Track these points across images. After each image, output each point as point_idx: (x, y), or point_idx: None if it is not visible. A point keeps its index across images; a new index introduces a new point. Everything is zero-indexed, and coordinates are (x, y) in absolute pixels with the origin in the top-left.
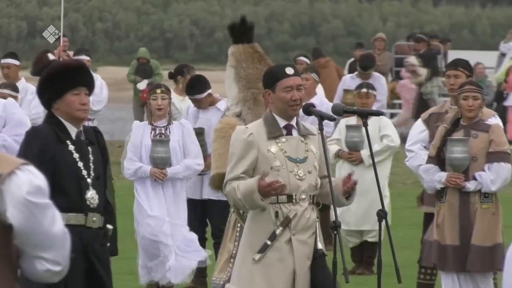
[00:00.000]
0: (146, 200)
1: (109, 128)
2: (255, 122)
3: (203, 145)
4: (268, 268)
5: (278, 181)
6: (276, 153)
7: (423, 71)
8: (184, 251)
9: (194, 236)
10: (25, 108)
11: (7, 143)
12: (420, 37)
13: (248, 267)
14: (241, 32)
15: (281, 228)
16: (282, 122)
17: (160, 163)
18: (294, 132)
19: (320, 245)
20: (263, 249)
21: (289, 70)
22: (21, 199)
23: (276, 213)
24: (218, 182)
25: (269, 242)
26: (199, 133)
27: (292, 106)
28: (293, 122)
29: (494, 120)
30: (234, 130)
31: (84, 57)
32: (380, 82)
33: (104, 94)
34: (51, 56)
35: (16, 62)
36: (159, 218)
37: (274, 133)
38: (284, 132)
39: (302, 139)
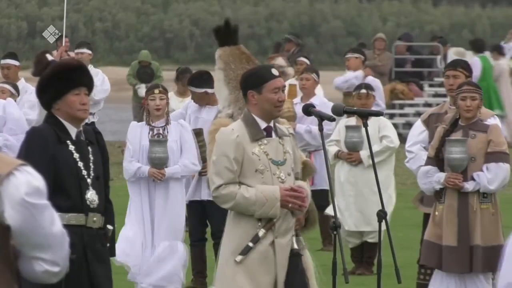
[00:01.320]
0: (139, 206)
1: (109, 128)
2: (236, 123)
3: (202, 146)
4: (251, 270)
5: (301, 191)
6: (260, 156)
7: (291, 71)
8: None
9: (182, 257)
10: (22, 108)
11: (9, 142)
12: (288, 37)
13: (230, 269)
14: (227, 34)
15: (263, 230)
16: (262, 124)
17: (158, 163)
18: (273, 134)
19: (296, 245)
20: (245, 251)
21: (275, 72)
22: (19, 200)
23: None
24: None
25: (251, 244)
26: (198, 133)
27: (277, 107)
28: (271, 124)
29: (493, 120)
30: (219, 131)
31: (85, 51)
32: (376, 86)
33: (107, 84)
34: (49, 57)
35: (16, 63)
36: (133, 242)
37: (256, 135)
38: (264, 134)
39: (280, 140)
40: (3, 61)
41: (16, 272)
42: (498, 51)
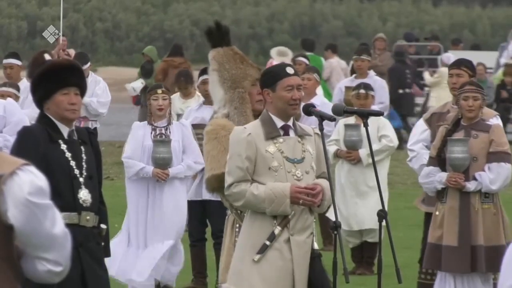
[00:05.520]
0: (136, 206)
1: (109, 129)
2: (253, 122)
3: (199, 139)
4: (267, 269)
5: (313, 188)
6: (274, 154)
7: None
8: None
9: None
10: (28, 108)
11: (9, 143)
12: None
13: (247, 268)
14: (219, 36)
15: (279, 228)
16: (279, 123)
17: (162, 163)
18: (291, 133)
19: (316, 246)
20: (262, 249)
21: (290, 70)
22: (22, 199)
23: None
24: (215, 183)
25: (268, 243)
26: (198, 126)
27: (292, 106)
28: (290, 123)
29: (495, 120)
30: (232, 131)
31: (14, 61)
32: (381, 85)
33: (108, 96)
34: (47, 57)
35: (18, 62)
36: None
37: (271, 133)
38: (281, 132)
39: (299, 139)
40: (6, 61)
41: (19, 272)
42: (332, 49)
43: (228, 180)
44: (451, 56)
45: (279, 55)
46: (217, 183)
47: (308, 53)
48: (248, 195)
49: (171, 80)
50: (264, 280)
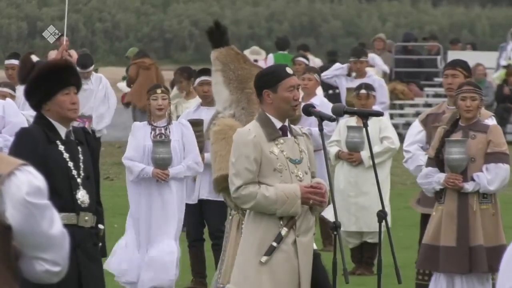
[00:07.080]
0: (135, 208)
1: (109, 129)
2: (251, 124)
3: (200, 136)
4: (275, 270)
5: (320, 187)
6: (278, 155)
7: None
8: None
9: (174, 254)
10: (30, 110)
11: (9, 142)
12: None
13: (254, 270)
14: (219, 36)
15: (286, 229)
16: (277, 123)
17: (162, 164)
18: (288, 133)
19: (315, 246)
20: (270, 251)
21: (289, 70)
22: (21, 199)
23: None
24: (224, 183)
25: (275, 244)
26: (197, 123)
27: (293, 107)
28: (287, 123)
29: (492, 121)
30: (235, 132)
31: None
32: (380, 84)
33: (113, 98)
34: (34, 58)
35: None
36: (131, 251)
37: (273, 134)
38: (280, 133)
39: (295, 140)
40: (8, 62)
41: (17, 272)
42: (304, 49)
43: (235, 182)
44: (375, 57)
45: (252, 54)
46: (225, 183)
47: (280, 52)
48: (259, 197)
49: (142, 81)
50: (273, 281)
